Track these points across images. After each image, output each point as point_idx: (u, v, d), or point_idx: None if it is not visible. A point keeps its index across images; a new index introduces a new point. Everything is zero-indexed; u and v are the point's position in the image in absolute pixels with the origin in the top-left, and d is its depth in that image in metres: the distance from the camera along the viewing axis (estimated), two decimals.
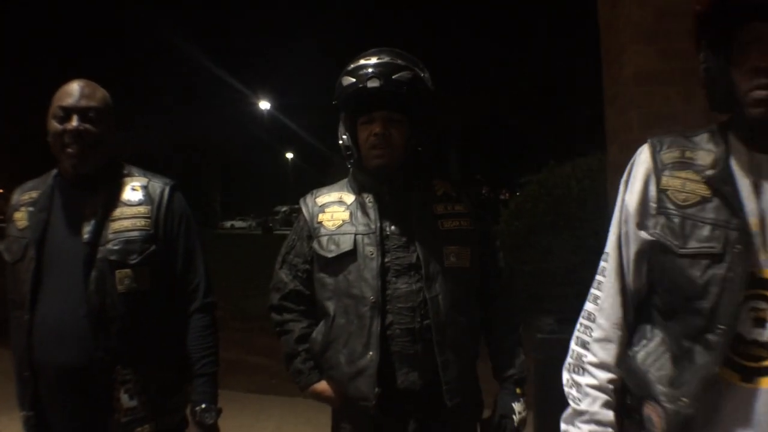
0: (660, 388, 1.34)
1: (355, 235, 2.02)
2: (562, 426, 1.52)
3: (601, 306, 1.49)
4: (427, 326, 1.94)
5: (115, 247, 1.91)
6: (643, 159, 1.46)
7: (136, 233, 1.95)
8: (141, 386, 1.92)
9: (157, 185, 2.05)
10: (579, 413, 1.48)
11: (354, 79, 1.96)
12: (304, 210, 2.15)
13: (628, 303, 1.47)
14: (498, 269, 2.15)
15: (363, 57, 2.00)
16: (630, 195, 1.46)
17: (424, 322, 1.94)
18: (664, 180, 1.40)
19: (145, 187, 2.03)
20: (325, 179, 2.60)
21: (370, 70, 1.95)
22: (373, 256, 1.98)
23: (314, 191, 2.21)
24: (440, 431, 2.01)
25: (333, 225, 2.06)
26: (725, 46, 1.34)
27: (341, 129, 2.08)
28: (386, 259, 1.98)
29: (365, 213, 2.05)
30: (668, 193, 1.38)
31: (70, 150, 1.89)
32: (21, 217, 2.00)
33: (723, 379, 1.28)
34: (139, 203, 2.00)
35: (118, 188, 2.01)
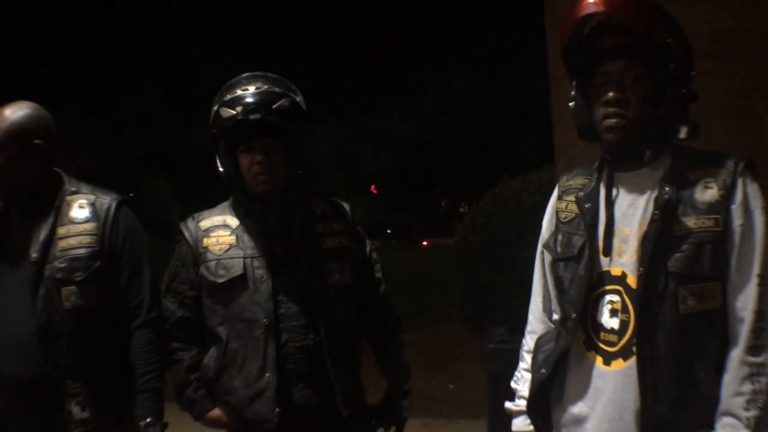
0: (537, 363, 1.69)
1: (244, 258, 2.04)
2: (507, 404, 1.84)
3: (531, 305, 1.84)
4: (318, 342, 2.00)
5: (61, 265, 1.96)
6: (555, 188, 1.80)
7: (82, 250, 1.99)
8: (92, 398, 1.96)
9: (105, 201, 2.08)
10: (516, 392, 1.82)
11: (234, 111, 1.98)
12: (186, 235, 2.14)
13: (546, 301, 1.77)
14: (376, 280, 2.33)
15: (239, 86, 2.04)
16: (545, 218, 1.81)
17: (316, 338, 2.00)
18: (558, 204, 1.73)
19: (92, 204, 2.07)
20: None
21: (249, 100, 1.98)
22: (264, 278, 2.01)
23: (195, 215, 2.20)
24: None
25: (220, 249, 2.07)
26: (587, 84, 1.58)
27: (220, 159, 2.09)
28: (276, 281, 2.02)
29: (252, 236, 2.08)
30: (558, 213, 1.71)
31: None
32: None
33: (591, 362, 1.57)
34: (86, 220, 2.03)
35: (67, 206, 2.04)
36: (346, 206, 2.28)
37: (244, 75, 2.09)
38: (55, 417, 1.94)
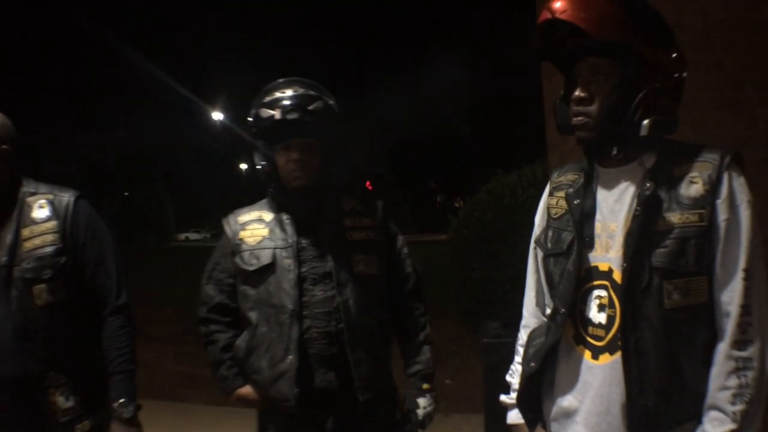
0: (527, 356, 1.71)
1: (274, 249, 2.23)
2: (502, 397, 1.88)
3: (525, 299, 1.87)
4: (341, 329, 2.13)
5: (29, 266, 2.04)
6: (547, 184, 1.82)
7: (47, 249, 2.07)
8: (74, 387, 2.07)
9: (63, 198, 2.16)
10: (510, 385, 1.84)
11: (273, 112, 2.18)
12: (226, 228, 2.36)
13: (540, 295, 1.80)
14: (405, 274, 2.42)
15: (277, 90, 2.22)
16: (537, 213, 1.84)
17: (338, 325, 2.14)
18: (549, 200, 1.75)
19: (51, 203, 2.14)
20: None
21: (287, 102, 2.17)
22: (291, 267, 2.19)
23: (236, 211, 2.40)
24: (355, 426, 2.21)
25: (253, 241, 2.27)
26: (567, 82, 1.61)
27: (258, 156, 2.27)
28: (303, 270, 2.18)
29: (283, 229, 2.26)
30: (549, 209, 1.73)
31: None
32: None
33: (580, 356, 1.59)
34: (47, 219, 2.11)
35: (28, 208, 2.11)
36: (379, 203, 2.41)
37: (282, 79, 2.28)
38: (41, 409, 2.03)
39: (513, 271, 5.29)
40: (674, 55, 1.55)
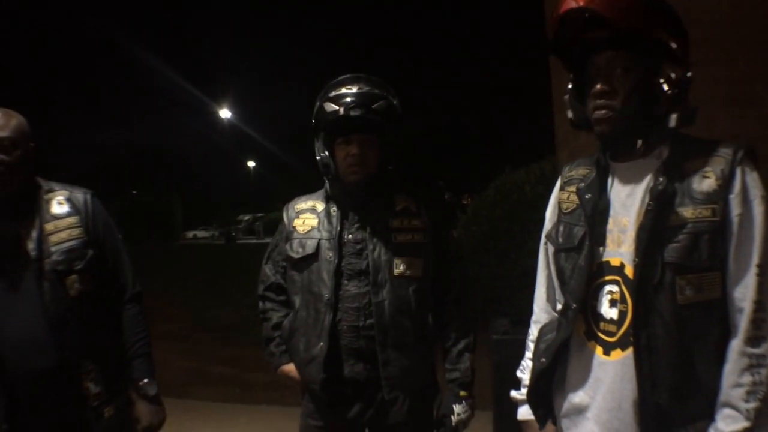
0: (538, 352, 1.71)
1: (320, 240, 2.30)
2: (512, 393, 1.88)
3: (535, 294, 1.86)
4: (370, 325, 2.19)
5: (60, 258, 2.13)
6: (558, 179, 1.81)
7: (74, 242, 2.18)
8: (100, 373, 2.17)
9: (79, 195, 2.28)
10: (521, 381, 1.84)
11: (337, 107, 2.21)
12: (284, 215, 2.47)
13: (550, 291, 1.79)
14: (450, 281, 2.38)
15: (344, 85, 2.26)
16: (548, 208, 1.84)
17: (367, 321, 2.19)
18: (561, 195, 1.75)
19: (69, 199, 2.25)
20: (294, 190, 3.00)
21: (351, 99, 2.21)
22: (331, 259, 2.26)
23: (297, 198, 2.51)
24: (376, 419, 2.27)
25: (303, 230, 2.36)
26: (583, 76, 1.60)
27: (319, 147, 2.31)
28: (342, 263, 2.24)
29: (330, 221, 2.33)
30: (560, 204, 1.73)
31: None
32: None
33: (591, 352, 1.58)
34: (68, 215, 2.22)
35: (46, 204, 2.21)
36: (440, 205, 2.43)
37: (349, 75, 2.31)
38: (76, 395, 2.13)
39: (521, 268, 5.28)
40: (686, 45, 1.53)
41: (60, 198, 2.23)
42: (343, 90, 2.24)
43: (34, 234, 2.13)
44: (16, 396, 2.06)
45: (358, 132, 2.24)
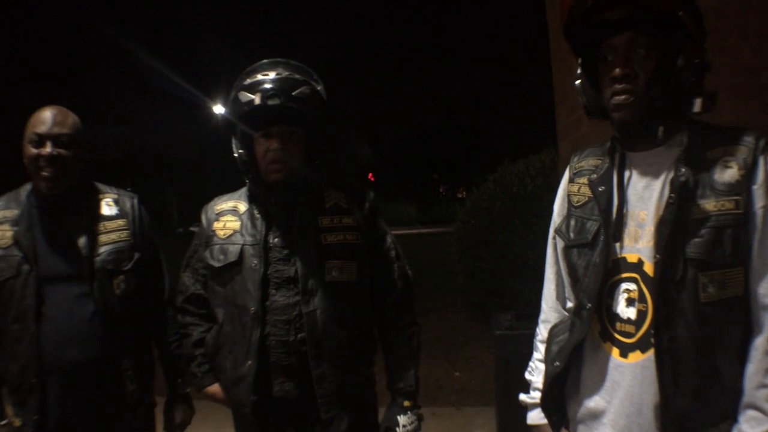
0: (551, 355, 1.62)
1: (243, 245, 2.07)
2: (521, 396, 1.79)
3: (544, 292, 1.77)
4: (302, 339, 1.98)
5: (110, 257, 2.18)
6: (566, 170, 1.71)
7: (122, 244, 2.23)
8: (136, 372, 2.21)
9: (126, 199, 2.33)
10: (530, 383, 1.76)
11: (252, 96, 1.97)
12: (203, 217, 2.23)
13: (560, 288, 1.71)
14: (390, 281, 2.17)
15: (260, 71, 2.02)
16: (556, 201, 1.73)
17: (298, 335, 1.98)
18: (570, 187, 1.65)
19: (116, 201, 2.30)
20: None
21: (268, 86, 1.97)
22: (257, 267, 2.02)
23: (217, 198, 2.25)
24: None
25: (224, 234, 2.12)
26: (593, 61, 1.52)
27: (236, 144, 2.08)
28: (268, 271, 2.02)
29: (254, 224, 2.09)
30: (570, 197, 1.64)
31: (44, 173, 2.09)
32: (1, 236, 2.15)
33: (607, 354, 1.50)
34: (117, 217, 2.26)
35: (96, 204, 2.25)
36: (370, 196, 2.19)
37: (265, 60, 2.07)
38: (112, 392, 2.17)
39: (521, 261, 5.26)
40: (705, 33, 1.46)
41: (109, 200, 2.28)
42: (259, 77, 1.99)
43: (85, 232, 2.17)
44: (51, 388, 2.08)
45: (278, 124, 2.00)
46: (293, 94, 1.97)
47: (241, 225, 2.11)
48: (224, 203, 2.20)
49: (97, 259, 2.15)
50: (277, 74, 1.99)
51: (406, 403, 2.12)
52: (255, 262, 2.02)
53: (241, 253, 2.05)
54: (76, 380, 2.10)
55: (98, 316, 2.12)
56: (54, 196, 2.14)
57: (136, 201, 2.34)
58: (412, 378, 2.14)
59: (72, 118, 2.16)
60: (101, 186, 2.32)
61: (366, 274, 2.10)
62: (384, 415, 2.15)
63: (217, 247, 2.10)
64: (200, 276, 2.20)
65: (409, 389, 2.13)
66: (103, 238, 2.19)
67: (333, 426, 2.02)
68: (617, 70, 1.43)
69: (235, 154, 2.09)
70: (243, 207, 2.15)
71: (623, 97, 1.44)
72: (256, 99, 1.96)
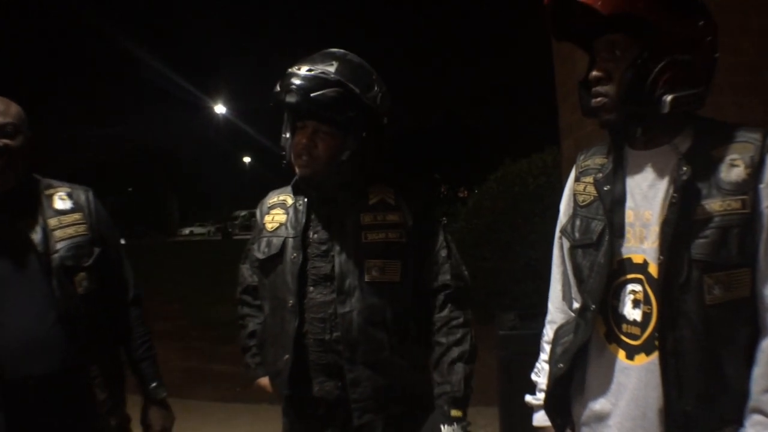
0: (555, 356, 1.61)
1: (286, 238, 2.03)
2: (527, 397, 1.77)
3: (550, 293, 1.75)
4: (337, 338, 1.91)
5: (68, 254, 2.02)
6: (572, 169, 1.68)
7: (80, 238, 2.08)
8: (105, 380, 2.07)
9: (81, 193, 2.18)
10: (536, 384, 1.75)
11: (279, 89, 1.89)
12: (258, 210, 2.20)
13: (566, 288, 1.68)
14: (442, 281, 2.00)
15: (300, 64, 1.90)
16: (562, 200, 1.71)
17: (334, 334, 1.91)
18: (576, 186, 1.63)
19: (70, 195, 2.15)
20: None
21: (293, 82, 1.85)
22: (295, 260, 1.98)
23: (271, 192, 2.21)
24: None
25: (271, 227, 2.09)
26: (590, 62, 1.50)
27: (284, 126, 1.98)
28: (307, 266, 1.98)
29: (296, 218, 2.04)
30: (576, 196, 1.61)
31: None
32: None
33: (613, 356, 1.49)
34: (72, 210, 2.11)
35: (47, 199, 2.10)
36: (423, 194, 2.09)
37: (321, 52, 1.95)
38: (81, 403, 2.02)
39: (524, 261, 5.25)
40: (701, 22, 1.41)
41: (62, 194, 2.12)
42: (294, 69, 1.87)
43: (39, 228, 2.01)
44: (16, 404, 1.90)
45: (311, 119, 1.90)
46: (312, 95, 1.83)
47: (287, 218, 2.06)
48: (276, 196, 2.16)
49: (55, 256, 1.99)
50: (308, 70, 1.86)
51: (454, 413, 1.89)
52: (294, 254, 1.98)
53: (284, 245, 2.01)
54: (41, 393, 1.93)
55: (61, 317, 1.96)
56: (3, 192, 1.98)
57: (91, 194, 2.18)
58: (461, 382, 1.92)
59: (15, 107, 2.02)
60: (51, 180, 2.17)
61: (410, 274, 1.97)
62: (426, 424, 1.96)
63: (265, 239, 2.07)
64: (255, 268, 2.18)
65: (456, 394, 1.90)
66: (58, 233, 2.03)
67: (370, 430, 1.93)
68: (592, 73, 1.45)
69: (283, 135, 1.98)
70: (290, 200, 2.10)
71: (598, 99, 1.45)
72: (282, 93, 1.88)
